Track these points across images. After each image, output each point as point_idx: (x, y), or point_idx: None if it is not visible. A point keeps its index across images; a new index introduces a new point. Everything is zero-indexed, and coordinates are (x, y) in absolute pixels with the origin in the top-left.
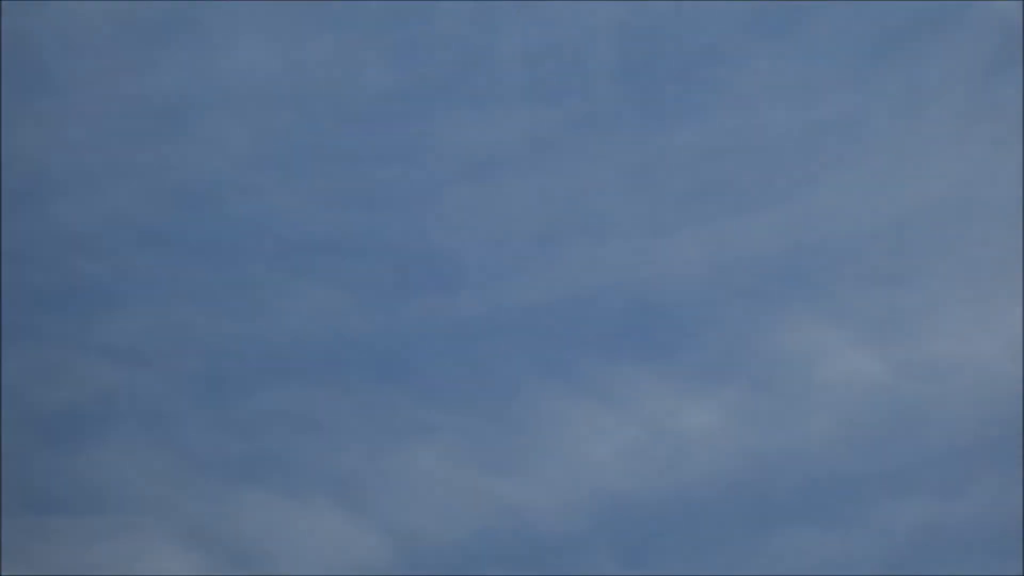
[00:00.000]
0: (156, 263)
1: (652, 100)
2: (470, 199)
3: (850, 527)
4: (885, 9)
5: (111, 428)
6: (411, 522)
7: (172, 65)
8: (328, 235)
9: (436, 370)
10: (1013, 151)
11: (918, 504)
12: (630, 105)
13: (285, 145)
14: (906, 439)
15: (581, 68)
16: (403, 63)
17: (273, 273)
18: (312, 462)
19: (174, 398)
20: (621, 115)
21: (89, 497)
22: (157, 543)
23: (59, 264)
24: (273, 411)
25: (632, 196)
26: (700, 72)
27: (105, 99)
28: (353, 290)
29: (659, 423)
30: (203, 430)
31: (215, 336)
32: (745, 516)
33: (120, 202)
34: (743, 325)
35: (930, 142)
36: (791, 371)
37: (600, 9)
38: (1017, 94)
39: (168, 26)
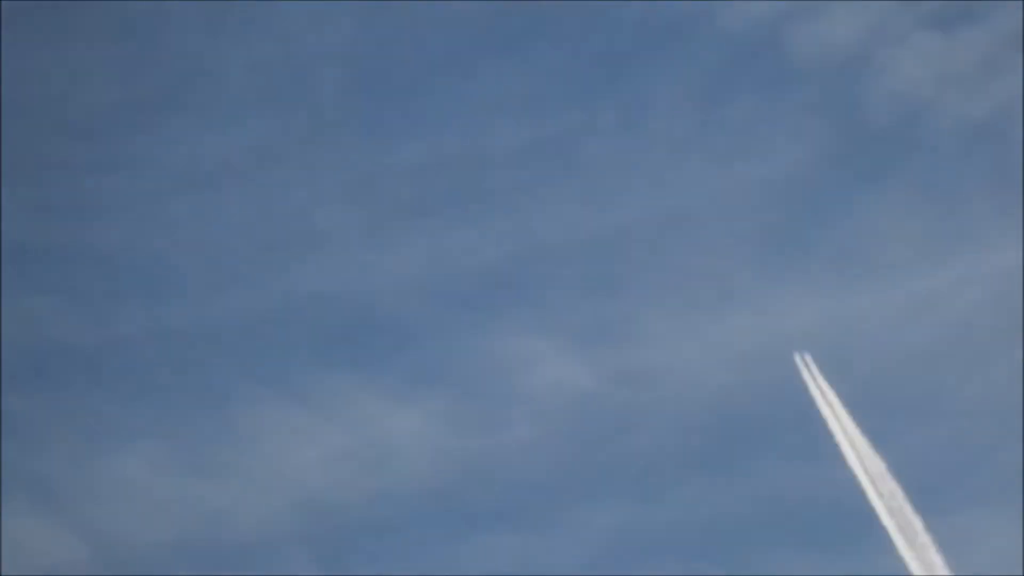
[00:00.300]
0: None
1: (378, 114)
2: (191, 209)
3: (549, 530)
4: (612, 26)
5: None
6: (111, 526)
7: None
8: (40, 243)
9: (146, 377)
10: (732, 166)
11: (617, 508)
12: (356, 118)
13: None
14: (610, 444)
15: (308, 82)
16: (130, 74)
17: None
18: (10, 466)
19: None
20: (346, 128)
21: None
22: None
23: None
24: None
25: (354, 208)
26: (425, 87)
27: None
28: (64, 297)
29: (365, 429)
30: None
31: None
32: (448, 519)
33: None
34: (455, 334)
35: (651, 157)
36: (499, 378)
37: (328, 23)
38: (743, 110)
39: None
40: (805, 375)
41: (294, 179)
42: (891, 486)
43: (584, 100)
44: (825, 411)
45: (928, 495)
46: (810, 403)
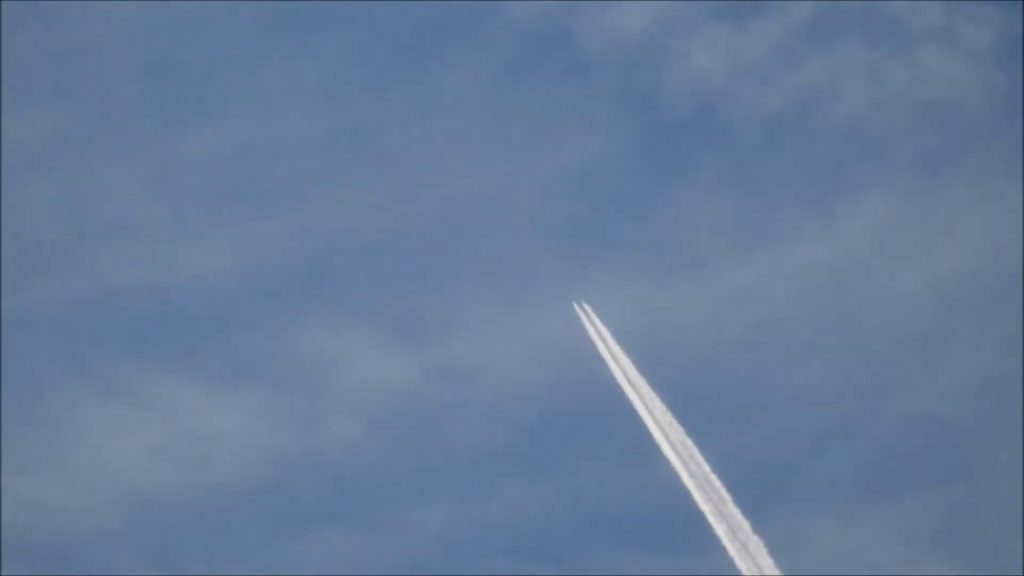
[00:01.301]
0: None
1: (172, 102)
2: None
3: (374, 528)
4: (407, 15)
5: None
6: None
7: None
8: None
9: None
10: (531, 155)
11: (443, 507)
12: (150, 106)
13: None
14: (432, 442)
15: (100, 69)
16: None
17: None
18: None
19: None
20: (141, 116)
21: None
22: None
23: None
24: None
25: (153, 198)
26: (220, 75)
27: None
28: None
29: (184, 424)
30: None
31: None
32: (270, 516)
33: None
34: (268, 327)
35: (450, 147)
36: (316, 374)
37: (121, 9)
38: (536, 102)
39: None
40: (586, 323)
41: (90, 168)
42: (715, 485)
43: (380, 91)
44: (609, 361)
45: (754, 495)
46: (611, 380)
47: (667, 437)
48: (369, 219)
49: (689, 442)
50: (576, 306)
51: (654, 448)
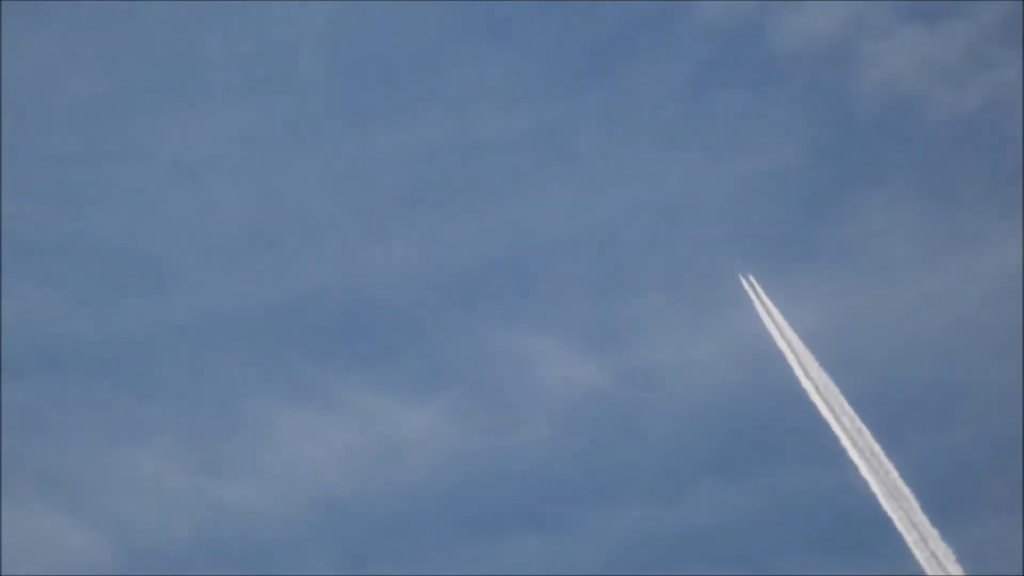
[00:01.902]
0: None
1: (363, 103)
2: (182, 201)
3: (566, 532)
4: (597, 16)
5: None
6: (131, 522)
7: None
8: (39, 237)
9: (153, 372)
10: (723, 157)
11: (634, 509)
12: (341, 107)
13: None
14: (623, 445)
15: (291, 71)
16: (114, 66)
17: None
18: (28, 462)
19: None
20: (332, 117)
21: None
22: None
23: None
24: None
25: (344, 198)
26: (410, 75)
27: None
28: (67, 291)
29: (377, 426)
30: None
31: None
32: (461, 519)
33: None
34: (460, 329)
35: (641, 149)
36: (509, 376)
37: (310, 12)
38: (730, 104)
39: None
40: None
41: (282, 169)
42: (903, 492)
43: (571, 91)
44: (794, 365)
45: (948, 499)
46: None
47: (854, 442)
48: (559, 220)
49: (877, 448)
50: (759, 308)
51: (840, 453)
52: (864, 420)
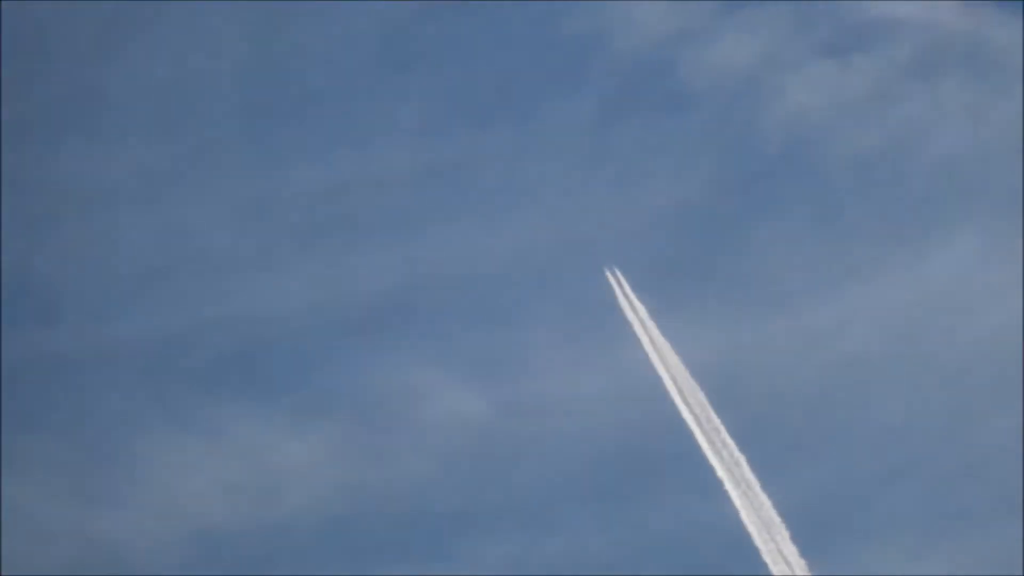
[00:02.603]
0: None
1: (270, 137)
2: (77, 232)
3: (446, 563)
4: (505, 54)
5: None
6: (5, 556)
7: None
8: None
9: (33, 402)
10: (627, 190)
11: (509, 539)
12: (245, 141)
13: None
14: (504, 476)
15: (195, 104)
16: (13, 94)
17: None
18: None
19: None
20: (236, 151)
21: None
22: None
23: None
24: None
25: (243, 232)
26: (318, 110)
27: None
28: None
29: (258, 459)
30: None
31: None
32: (343, 551)
33: None
34: (348, 362)
35: (546, 182)
36: (394, 408)
37: (221, 46)
38: (638, 138)
39: None
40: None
41: (183, 202)
42: (775, 523)
43: (479, 125)
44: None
45: (822, 529)
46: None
47: (731, 473)
48: (456, 255)
49: (753, 479)
50: (645, 343)
51: (715, 484)
52: (748, 452)
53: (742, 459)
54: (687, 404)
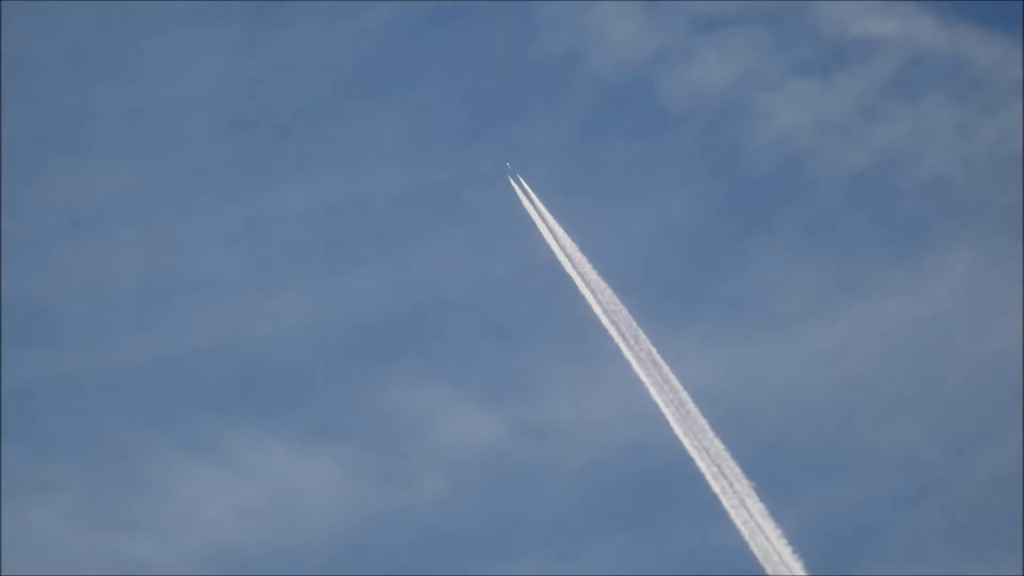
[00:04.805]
0: None
1: (256, 157)
2: (74, 254)
3: None
4: (488, 75)
5: None
6: None
7: None
8: None
9: (47, 426)
10: (616, 211)
11: (528, 563)
12: (235, 162)
13: None
14: (518, 500)
15: (185, 123)
16: (3, 120)
17: None
18: None
19: None
20: (226, 172)
21: None
22: None
23: None
24: None
25: (239, 253)
26: (303, 131)
27: None
28: None
29: (273, 481)
30: None
31: None
32: (357, 572)
33: None
34: (355, 383)
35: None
36: (403, 430)
37: (205, 65)
38: (622, 159)
39: None
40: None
41: (175, 223)
42: (781, 552)
43: (464, 146)
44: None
45: (837, 553)
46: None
47: (741, 500)
48: (455, 274)
49: (760, 505)
50: (628, 355)
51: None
52: (755, 477)
53: (745, 480)
54: (690, 431)
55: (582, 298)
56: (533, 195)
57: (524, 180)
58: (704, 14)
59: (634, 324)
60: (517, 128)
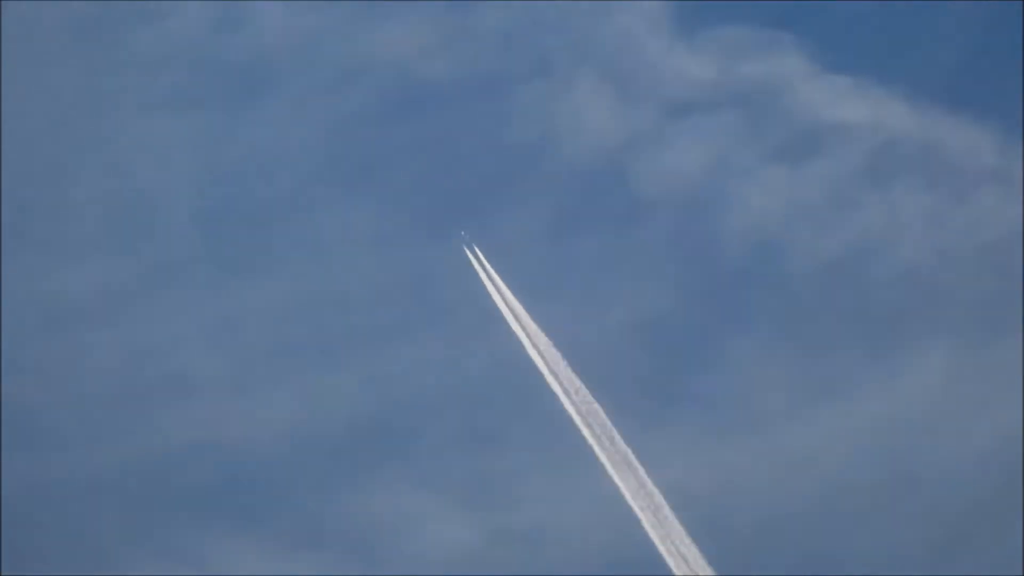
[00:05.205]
0: None
1: (229, 249)
2: (48, 354)
3: None
4: (463, 159)
5: None
6: None
7: None
8: None
9: (17, 534)
10: (589, 305)
11: None
12: (207, 254)
13: None
14: None
15: (157, 217)
16: None
17: None
18: None
19: None
20: (199, 265)
21: None
22: None
23: None
24: None
25: (214, 351)
26: (272, 222)
27: None
28: None
29: None
30: None
31: None
32: None
33: None
34: (331, 488)
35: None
36: (384, 536)
37: (174, 157)
38: (594, 249)
39: None
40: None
41: (148, 320)
42: None
43: (436, 236)
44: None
45: None
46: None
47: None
48: (430, 373)
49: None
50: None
51: None
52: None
53: None
54: (667, 537)
55: (557, 398)
56: (500, 282)
57: (483, 255)
58: (676, 98)
59: (609, 425)
60: (488, 219)
